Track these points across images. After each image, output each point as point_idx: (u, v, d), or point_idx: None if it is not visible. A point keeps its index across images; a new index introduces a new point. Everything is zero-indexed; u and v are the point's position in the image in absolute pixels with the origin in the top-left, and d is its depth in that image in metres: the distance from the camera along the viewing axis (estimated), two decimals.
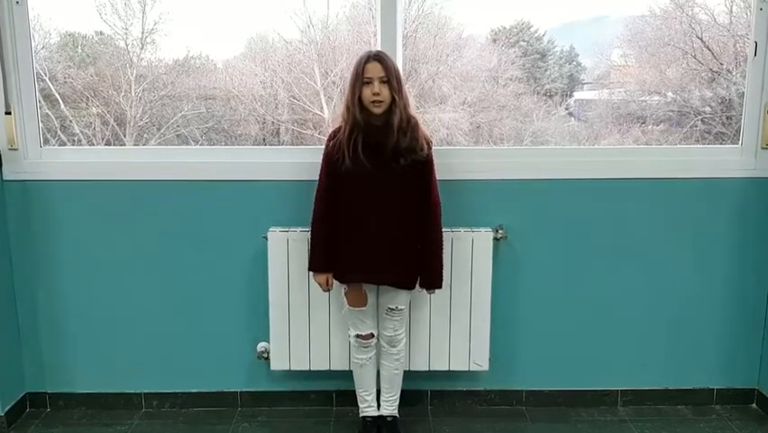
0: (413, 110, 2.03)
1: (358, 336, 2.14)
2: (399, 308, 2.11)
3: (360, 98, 1.94)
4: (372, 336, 2.15)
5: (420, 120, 2.04)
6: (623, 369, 2.48)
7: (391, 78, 1.92)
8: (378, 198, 1.99)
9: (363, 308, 2.11)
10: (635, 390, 2.50)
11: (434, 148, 2.06)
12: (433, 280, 2.08)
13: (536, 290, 2.41)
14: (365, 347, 2.16)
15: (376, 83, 1.91)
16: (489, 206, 2.34)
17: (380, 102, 1.92)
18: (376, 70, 1.92)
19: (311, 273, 2.14)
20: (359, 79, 1.93)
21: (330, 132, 2.06)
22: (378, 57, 1.93)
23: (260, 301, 2.34)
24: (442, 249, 2.07)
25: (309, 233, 2.11)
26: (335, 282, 2.11)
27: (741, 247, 2.39)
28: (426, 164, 2.02)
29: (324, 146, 2.06)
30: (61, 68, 2.82)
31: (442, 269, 2.08)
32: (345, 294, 2.12)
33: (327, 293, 2.19)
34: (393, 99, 1.93)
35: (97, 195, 2.34)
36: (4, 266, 2.35)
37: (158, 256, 2.38)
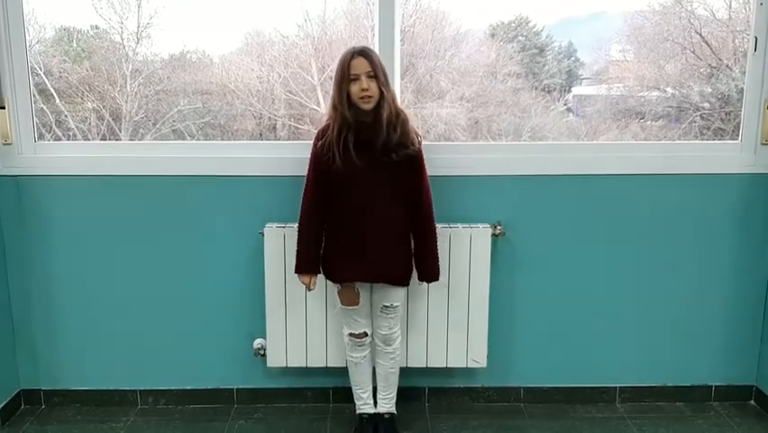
0: (400, 104, 2.01)
1: (351, 334, 2.13)
2: (395, 305, 2.09)
3: (348, 96, 1.91)
4: (366, 334, 2.14)
5: (409, 114, 2.02)
6: (621, 366, 2.47)
7: (378, 73, 1.90)
8: (369, 195, 1.97)
9: (356, 307, 2.09)
10: (633, 387, 2.49)
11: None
12: (432, 272, 2.08)
13: (535, 286, 2.40)
14: (359, 346, 2.15)
15: (363, 78, 1.89)
16: (487, 202, 2.33)
17: (370, 97, 1.90)
18: (362, 66, 1.89)
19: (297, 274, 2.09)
20: (345, 77, 1.90)
21: (317, 131, 2.04)
22: (363, 52, 1.91)
23: (256, 298, 2.33)
24: (436, 240, 2.08)
25: (296, 232, 2.07)
26: (329, 281, 2.10)
27: (740, 243, 2.38)
28: (417, 158, 2.00)
29: (311, 145, 2.04)
30: (56, 62, 2.79)
31: (438, 260, 2.09)
32: (338, 293, 2.11)
33: (324, 290, 2.17)
34: (381, 94, 1.92)
35: (93, 190, 2.33)
36: None
37: (153, 252, 2.37)
